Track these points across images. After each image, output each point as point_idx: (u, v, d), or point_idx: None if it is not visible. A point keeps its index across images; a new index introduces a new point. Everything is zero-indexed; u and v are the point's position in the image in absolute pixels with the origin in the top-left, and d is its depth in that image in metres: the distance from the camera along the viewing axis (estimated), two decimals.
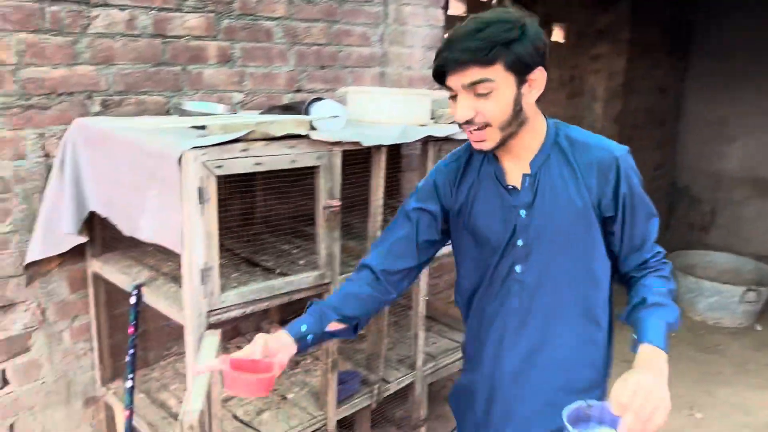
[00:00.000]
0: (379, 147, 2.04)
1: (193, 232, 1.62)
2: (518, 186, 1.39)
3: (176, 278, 1.94)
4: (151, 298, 1.85)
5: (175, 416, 2.05)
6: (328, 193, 1.91)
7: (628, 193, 1.37)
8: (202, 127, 1.82)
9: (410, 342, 2.45)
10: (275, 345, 1.34)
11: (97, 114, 2.10)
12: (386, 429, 2.58)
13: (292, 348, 1.37)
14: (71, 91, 2.03)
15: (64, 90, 2.01)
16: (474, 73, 1.25)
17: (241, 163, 1.69)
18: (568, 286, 1.40)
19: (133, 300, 1.85)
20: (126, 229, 1.83)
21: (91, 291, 2.15)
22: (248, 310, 1.81)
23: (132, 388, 1.89)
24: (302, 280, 1.92)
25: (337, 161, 1.92)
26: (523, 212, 1.38)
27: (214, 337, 1.55)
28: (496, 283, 1.44)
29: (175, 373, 2.33)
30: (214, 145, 1.63)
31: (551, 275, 1.40)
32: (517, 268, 1.41)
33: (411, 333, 2.43)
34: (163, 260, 2.08)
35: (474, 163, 1.47)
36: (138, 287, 1.86)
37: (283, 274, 1.96)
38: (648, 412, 1.12)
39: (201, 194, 1.61)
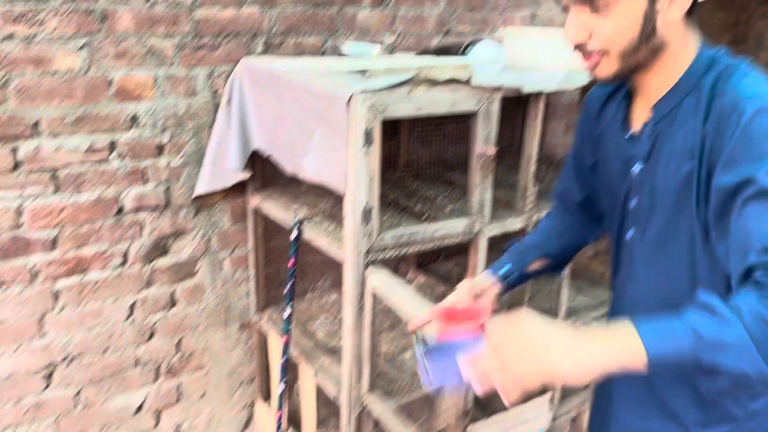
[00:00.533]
0: (538, 94, 1.97)
1: (357, 173, 1.66)
2: (639, 133, 1.13)
3: (332, 216, 2.01)
4: (311, 234, 1.94)
5: (323, 346, 2.16)
6: (484, 140, 1.88)
7: (671, 120, 1.07)
8: (363, 71, 1.84)
9: (551, 295, 2.42)
10: (479, 289, 1.32)
11: (259, 54, 2.17)
12: None
13: (495, 289, 1.34)
14: (238, 31, 2.11)
15: (231, 30, 2.10)
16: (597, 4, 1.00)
17: (405, 107, 1.69)
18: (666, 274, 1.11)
19: (294, 234, 1.94)
20: (289, 167, 1.91)
21: (250, 224, 2.28)
22: (402, 252, 1.84)
23: (290, 315, 2.01)
24: (454, 225, 1.92)
25: (495, 107, 1.87)
26: (637, 167, 1.14)
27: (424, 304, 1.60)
28: (615, 250, 1.26)
29: (320, 307, 2.44)
30: (381, 88, 1.64)
31: (658, 254, 1.12)
32: (628, 236, 1.19)
33: (552, 286, 2.40)
34: (317, 199, 2.16)
35: (610, 102, 1.23)
36: (300, 222, 1.94)
37: (432, 219, 1.98)
38: (506, 359, 0.85)
39: (367, 136, 1.64)
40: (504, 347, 0.86)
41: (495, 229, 2.02)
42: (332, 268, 2.48)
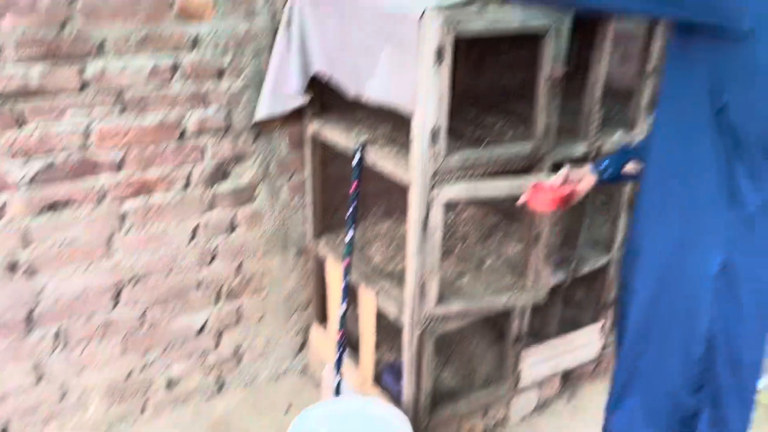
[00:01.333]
0: (608, 18, 1.90)
1: (428, 93, 1.64)
2: None
3: (393, 140, 2.00)
4: (374, 157, 1.93)
5: (381, 271, 2.19)
6: (553, 60, 1.84)
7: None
8: None
9: (606, 225, 2.41)
10: (576, 175, 1.68)
11: None
12: (571, 310, 2.60)
13: (592, 179, 1.69)
14: None
15: None
16: None
17: (477, 24, 1.65)
18: None
19: (357, 158, 1.94)
20: (353, 89, 1.89)
21: (308, 150, 2.28)
22: (468, 174, 1.83)
23: (353, 239, 2.03)
24: (519, 149, 1.90)
25: (566, 26, 1.82)
26: None
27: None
28: None
29: (376, 234, 2.46)
30: (453, 4, 1.60)
31: None
32: None
33: (609, 215, 2.38)
34: (376, 123, 2.14)
35: None
36: (363, 146, 1.94)
37: (493, 145, 1.96)
38: None
39: (439, 54, 1.61)
40: None
41: (559, 154, 1.99)
42: (386, 196, 2.48)
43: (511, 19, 1.71)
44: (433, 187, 1.77)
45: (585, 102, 2.07)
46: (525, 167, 1.94)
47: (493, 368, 2.38)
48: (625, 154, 1.66)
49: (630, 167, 1.64)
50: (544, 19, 1.75)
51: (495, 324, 2.62)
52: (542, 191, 1.68)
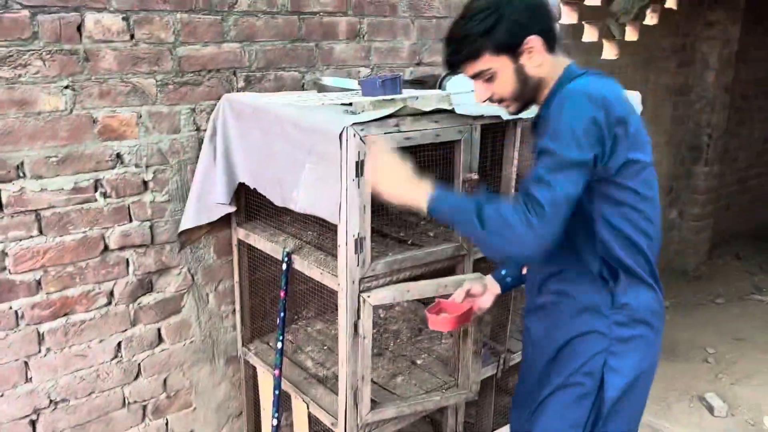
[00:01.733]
0: (516, 120, 2.05)
1: (350, 204, 1.70)
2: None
3: (320, 247, 2.04)
4: (301, 264, 1.96)
5: (314, 376, 2.17)
6: (467, 167, 1.95)
7: (545, 116, 1.41)
8: (348, 104, 1.88)
9: None
10: (479, 289, 1.79)
11: (240, 90, 2.20)
12: (506, 399, 2.63)
13: (496, 288, 1.80)
14: (219, 67, 2.14)
15: (212, 67, 2.13)
16: (469, 69, 1.44)
17: (394, 138, 1.75)
18: None
19: (285, 266, 1.96)
20: (279, 200, 1.93)
21: (235, 257, 2.28)
22: (394, 278, 1.88)
23: (282, 348, 2.01)
24: (442, 251, 1.97)
25: (477, 135, 1.95)
26: None
27: None
28: None
29: (308, 336, 2.45)
30: (370, 120, 1.70)
31: None
32: None
33: None
34: (303, 230, 2.18)
35: None
36: (289, 254, 1.96)
37: (417, 246, 2.03)
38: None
39: (358, 168, 1.68)
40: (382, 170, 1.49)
41: (480, 252, 2.08)
42: (316, 297, 2.49)
43: (427, 132, 1.82)
44: (360, 291, 1.80)
45: (501, 196, 2.18)
46: (449, 267, 2.00)
47: None
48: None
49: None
50: (455, 133, 1.87)
51: (432, 420, 2.61)
52: (442, 311, 1.76)
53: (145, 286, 2.14)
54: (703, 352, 3.62)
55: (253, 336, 2.41)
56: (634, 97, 2.39)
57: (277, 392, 2.04)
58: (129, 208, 2.04)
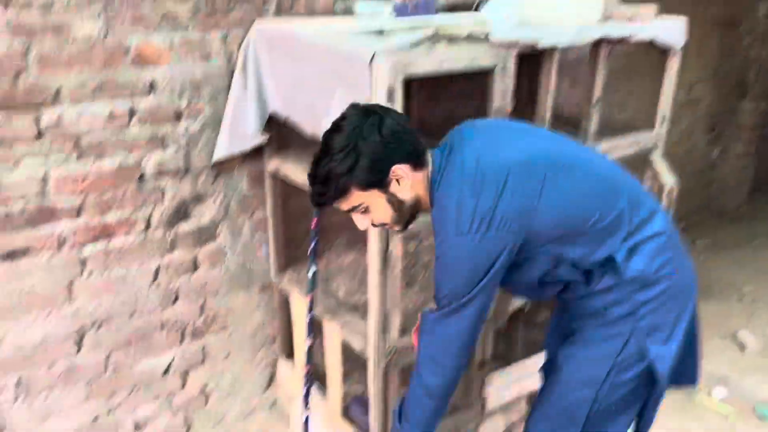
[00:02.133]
0: (552, 49, 1.99)
1: None
2: None
3: None
4: None
5: (345, 304, 2.22)
6: (501, 96, 1.91)
7: (434, 218, 1.46)
8: (380, 31, 1.85)
9: None
10: None
11: (272, 16, 2.17)
12: (534, 332, 2.66)
13: None
14: None
15: None
16: (342, 205, 1.44)
17: (425, 64, 1.71)
18: None
19: None
20: (309, 129, 1.93)
21: (268, 187, 2.31)
22: None
23: (315, 274, 2.05)
24: None
25: (511, 63, 1.90)
26: None
27: None
28: None
29: (339, 267, 2.49)
30: (401, 47, 1.66)
31: None
32: None
33: None
34: None
35: None
36: None
37: None
38: None
39: (389, 95, 1.66)
40: None
41: None
42: (348, 227, 2.52)
43: (459, 58, 1.78)
44: None
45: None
46: None
47: (460, 395, 2.41)
48: None
49: None
50: (490, 58, 1.83)
51: None
52: None
53: (181, 214, 2.19)
54: (738, 291, 3.58)
55: (287, 265, 2.46)
56: (679, 25, 2.29)
57: (309, 317, 2.10)
58: (163, 136, 2.07)
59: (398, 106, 1.68)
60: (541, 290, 1.58)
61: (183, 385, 2.40)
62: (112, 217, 2.05)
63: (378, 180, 1.39)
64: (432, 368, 1.51)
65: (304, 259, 2.45)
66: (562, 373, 1.58)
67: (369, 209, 1.45)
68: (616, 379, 1.50)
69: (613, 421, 1.56)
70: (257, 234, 2.39)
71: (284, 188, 2.32)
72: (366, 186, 1.39)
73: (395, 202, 1.44)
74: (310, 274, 2.06)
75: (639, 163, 2.43)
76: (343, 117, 1.41)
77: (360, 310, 2.16)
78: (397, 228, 1.52)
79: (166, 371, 2.34)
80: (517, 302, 2.27)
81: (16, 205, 1.87)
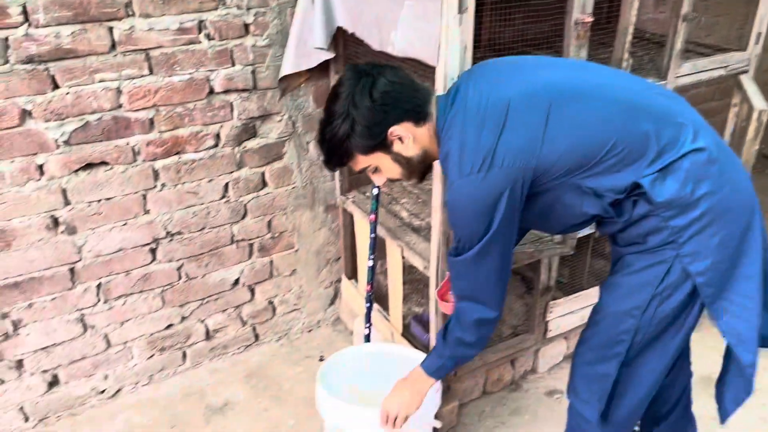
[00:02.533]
0: None
1: (450, 44, 1.63)
2: None
3: None
4: None
5: (408, 225, 2.22)
6: (580, 7, 1.80)
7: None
8: None
9: None
10: None
11: None
12: (601, 261, 2.60)
13: None
14: None
15: None
16: (353, 166, 1.47)
17: None
18: None
19: None
20: (376, 44, 1.88)
21: None
22: None
23: (378, 195, 2.05)
24: None
25: None
26: None
27: None
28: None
29: (403, 189, 2.48)
30: None
31: None
32: None
33: None
34: None
35: None
36: None
37: None
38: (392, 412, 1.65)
39: (461, 8, 1.58)
40: (396, 402, 1.66)
41: None
42: None
43: None
44: None
45: (615, 49, 2.02)
46: None
47: (521, 319, 2.41)
48: None
49: None
50: None
51: (524, 278, 2.63)
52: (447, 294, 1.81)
53: (249, 130, 2.22)
54: None
55: (351, 186, 2.47)
56: None
57: (372, 236, 2.11)
58: (231, 51, 2.07)
59: (469, 22, 1.61)
60: (575, 228, 1.51)
61: (251, 298, 2.50)
62: (182, 132, 2.09)
63: (377, 144, 1.40)
64: (465, 312, 1.51)
65: (368, 181, 2.45)
66: (604, 302, 1.52)
67: (378, 169, 1.47)
68: (658, 309, 1.41)
69: (657, 353, 1.48)
70: None
71: None
72: (367, 150, 1.41)
73: (401, 161, 1.44)
74: (373, 195, 2.06)
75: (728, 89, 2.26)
76: (340, 82, 1.41)
77: (423, 231, 2.16)
78: (413, 182, 1.54)
79: (235, 284, 2.43)
80: (585, 230, 2.20)
81: (92, 117, 1.93)
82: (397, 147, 1.41)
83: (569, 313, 2.32)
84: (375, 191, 2.06)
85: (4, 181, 1.87)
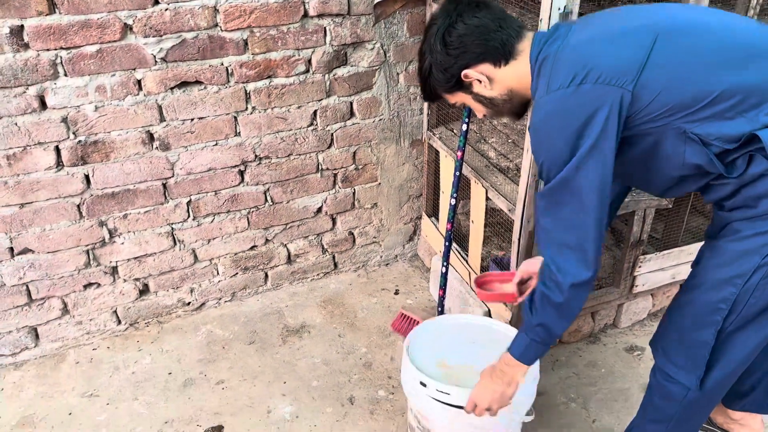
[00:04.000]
0: None
1: None
2: None
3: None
4: None
5: (495, 165, 2.14)
6: None
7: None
8: None
9: None
10: (531, 268, 1.69)
11: None
12: (698, 220, 2.44)
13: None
14: None
15: None
16: (446, 99, 1.45)
17: None
18: None
19: None
20: None
21: None
22: None
23: (466, 131, 1.99)
24: None
25: None
26: None
27: None
28: None
29: (492, 128, 2.39)
30: None
31: None
32: None
33: None
34: (504, 8, 2.01)
35: None
36: None
37: None
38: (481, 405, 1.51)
39: None
40: (486, 396, 1.51)
41: None
42: None
43: None
44: None
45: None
46: None
47: (607, 272, 2.32)
48: None
49: None
50: None
51: (613, 229, 2.52)
52: (487, 283, 1.82)
53: (341, 57, 2.18)
54: None
55: (438, 122, 2.41)
56: None
57: (457, 174, 2.06)
58: None
59: None
60: (678, 187, 1.35)
61: (332, 227, 2.53)
62: (275, 55, 2.08)
63: (454, 84, 1.38)
64: (553, 262, 1.32)
65: (457, 117, 2.38)
66: (703, 267, 1.38)
67: (468, 104, 1.45)
68: (762, 280, 1.28)
69: (754, 327, 1.35)
70: (412, 86, 2.34)
71: None
72: (447, 90, 1.40)
73: (483, 100, 1.40)
74: (462, 131, 1.99)
75: None
76: (433, 17, 1.37)
77: (510, 173, 2.08)
78: (511, 117, 1.47)
79: (318, 212, 2.46)
80: None
81: (188, 35, 1.95)
82: (476, 88, 1.37)
83: (659, 269, 2.21)
84: (464, 127, 1.99)
85: (106, 93, 1.94)
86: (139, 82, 1.96)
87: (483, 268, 2.25)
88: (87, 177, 2.04)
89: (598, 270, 1.33)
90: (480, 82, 1.35)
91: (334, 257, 2.60)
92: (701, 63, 1.19)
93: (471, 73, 1.34)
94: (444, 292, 2.21)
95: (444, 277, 2.20)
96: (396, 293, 2.54)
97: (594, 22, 1.30)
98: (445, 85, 1.38)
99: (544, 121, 1.25)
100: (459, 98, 1.43)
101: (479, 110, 1.44)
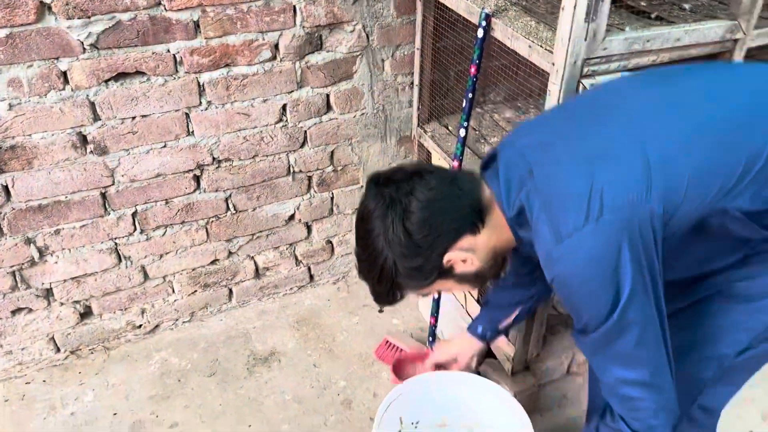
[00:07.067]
0: None
1: None
2: None
3: (530, 10, 1.54)
4: (503, 33, 1.49)
5: None
6: None
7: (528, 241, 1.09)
8: None
9: None
10: (454, 351, 1.59)
11: None
12: None
13: (476, 345, 1.57)
14: None
15: None
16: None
17: None
18: None
19: (480, 32, 1.50)
20: None
21: (419, 16, 1.85)
22: (630, 63, 1.37)
23: (465, 137, 1.65)
24: (705, 31, 1.39)
25: None
26: None
27: None
28: None
29: (494, 124, 2.06)
30: None
31: None
32: None
33: None
34: None
35: None
36: (488, 17, 1.49)
37: (666, 21, 1.45)
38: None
39: None
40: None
41: (759, 39, 1.46)
42: (511, 78, 2.03)
43: None
44: (582, 76, 1.33)
45: None
46: (712, 54, 1.44)
47: None
48: (493, 318, 1.53)
49: (506, 322, 1.51)
50: None
51: None
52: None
53: (314, 42, 1.82)
54: None
55: (431, 116, 2.06)
56: None
57: None
58: None
59: None
60: (712, 261, 1.14)
61: (307, 236, 2.19)
62: (234, 39, 1.72)
63: (432, 280, 1.12)
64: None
65: (452, 110, 2.04)
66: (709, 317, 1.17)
67: (450, 289, 1.26)
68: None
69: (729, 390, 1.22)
70: (400, 75, 1.99)
71: (439, 18, 1.85)
72: (422, 288, 1.16)
73: (470, 278, 1.16)
74: (460, 137, 1.65)
75: None
76: (367, 208, 1.08)
77: None
78: (496, 279, 1.30)
79: (290, 219, 2.12)
80: None
81: (124, 16, 1.57)
82: (460, 268, 1.13)
83: None
84: (462, 132, 1.65)
85: (22, 89, 1.57)
86: (64, 74, 1.59)
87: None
88: (6, 188, 1.68)
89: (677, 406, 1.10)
90: (464, 261, 1.11)
91: (309, 269, 2.28)
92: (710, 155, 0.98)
93: (454, 256, 1.09)
94: (435, 320, 1.90)
95: (436, 303, 1.89)
96: (380, 311, 2.23)
97: (551, 135, 1.07)
98: (423, 282, 1.12)
99: (575, 276, 0.98)
100: (437, 288, 1.18)
101: (466, 287, 1.21)
